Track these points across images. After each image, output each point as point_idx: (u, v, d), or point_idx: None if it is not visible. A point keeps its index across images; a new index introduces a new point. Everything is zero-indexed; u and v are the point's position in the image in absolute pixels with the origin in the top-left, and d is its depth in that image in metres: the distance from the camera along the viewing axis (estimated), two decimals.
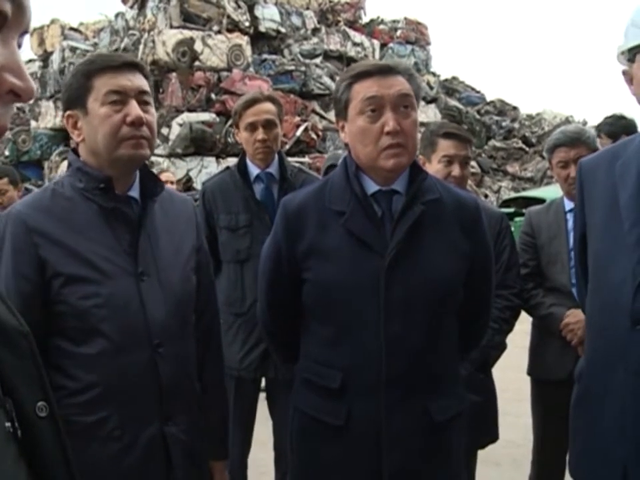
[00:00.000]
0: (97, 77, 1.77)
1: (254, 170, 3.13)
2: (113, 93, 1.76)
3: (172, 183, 6.52)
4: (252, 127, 3.08)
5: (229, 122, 11.67)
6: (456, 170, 2.82)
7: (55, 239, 1.74)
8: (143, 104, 1.81)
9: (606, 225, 1.93)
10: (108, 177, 1.80)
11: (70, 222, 1.77)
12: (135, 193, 1.87)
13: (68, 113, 1.83)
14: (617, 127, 4.58)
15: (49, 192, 1.83)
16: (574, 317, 2.89)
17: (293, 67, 16.47)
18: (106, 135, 1.76)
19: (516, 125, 20.72)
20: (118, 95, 1.77)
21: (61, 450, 0.94)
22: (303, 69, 16.48)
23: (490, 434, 2.91)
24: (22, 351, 0.92)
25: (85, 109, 1.78)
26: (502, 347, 2.92)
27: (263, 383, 3.25)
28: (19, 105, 16.09)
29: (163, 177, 6.72)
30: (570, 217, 3.05)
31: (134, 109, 1.77)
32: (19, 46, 0.85)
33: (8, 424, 0.86)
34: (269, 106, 3.11)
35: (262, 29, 16.92)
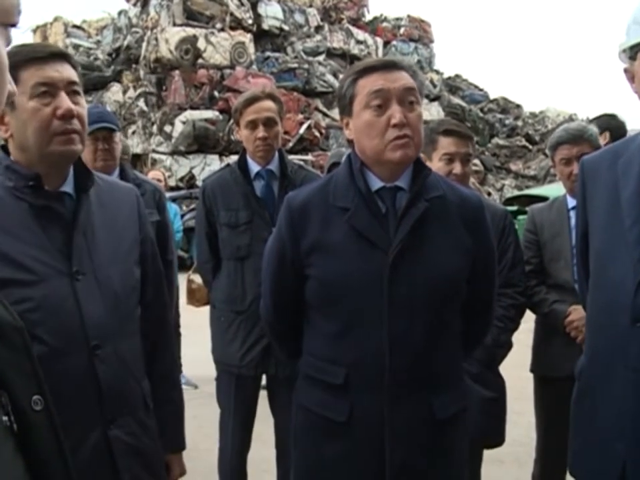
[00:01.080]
0: (22, 69, 1.67)
1: (254, 167, 3.13)
2: (40, 85, 1.67)
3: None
4: (252, 125, 3.07)
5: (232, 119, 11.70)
6: (457, 168, 2.77)
7: None
8: (72, 95, 1.72)
9: (607, 223, 1.92)
10: (37, 173, 1.71)
11: None
12: (68, 188, 1.78)
13: None
14: (609, 124, 4.73)
15: None
16: (577, 313, 2.89)
17: (296, 65, 16.49)
18: (36, 130, 1.68)
19: (519, 123, 20.73)
20: (46, 87, 1.68)
21: (56, 443, 0.95)
22: (306, 66, 16.50)
23: (498, 434, 2.88)
24: (16, 346, 0.92)
25: (11, 103, 1.64)
26: (508, 346, 2.89)
27: (264, 381, 3.25)
28: None
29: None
30: (573, 214, 3.05)
31: (64, 101, 1.69)
32: (9, 41, 0.87)
33: (5, 418, 0.86)
34: (269, 104, 3.10)
35: (265, 26, 16.94)
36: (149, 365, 1.93)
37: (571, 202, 3.07)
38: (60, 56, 1.73)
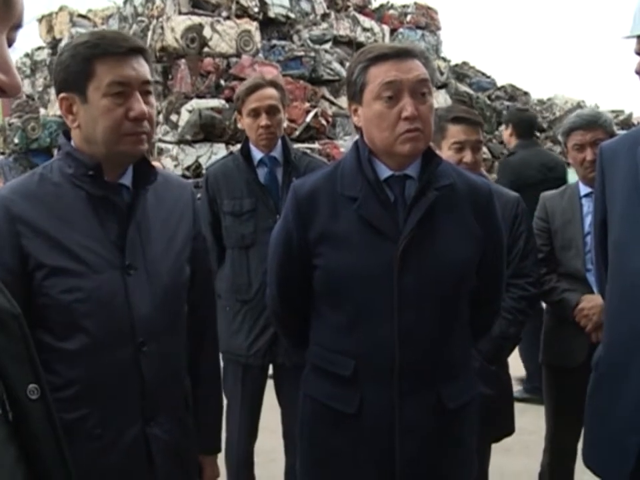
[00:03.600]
0: (99, 63, 1.65)
1: (257, 154, 3.11)
2: (116, 84, 1.65)
3: None
4: (255, 113, 3.06)
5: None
6: (468, 156, 2.70)
7: (39, 228, 1.66)
8: (144, 94, 1.71)
9: (626, 210, 1.89)
10: (98, 163, 1.71)
11: (56, 210, 1.69)
12: (126, 180, 1.78)
13: (63, 95, 1.69)
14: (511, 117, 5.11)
15: (37, 176, 1.75)
16: (588, 301, 2.86)
17: (302, 53, 16.39)
18: (106, 129, 1.67)
19: None
20: (122, 87, 1.66)
21: (52, 433, 0.94)
22: (312, 54, 16.40)
23: (506, 427, 2.85)
24: (13, 333, 0.91)
25: (83, 95, 1.66)
26: (517, 339, 2.81)
27: (271, 370, 3.24)
28: (27, 92, 16.04)
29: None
30: (585, 201, 3.02)
31: (138, 103, 1.67)
32: (12, 41, 0.84)
33: None
34: (271, 91, 3.08)
35: (271, 14, 16.84)
36: (192, 364, 1.92)
37: (584, 189, 3.04)
38: (137, 51, 1.71)
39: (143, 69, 1.71)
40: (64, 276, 1.66)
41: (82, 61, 1.66)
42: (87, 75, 1.66)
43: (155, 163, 7.30)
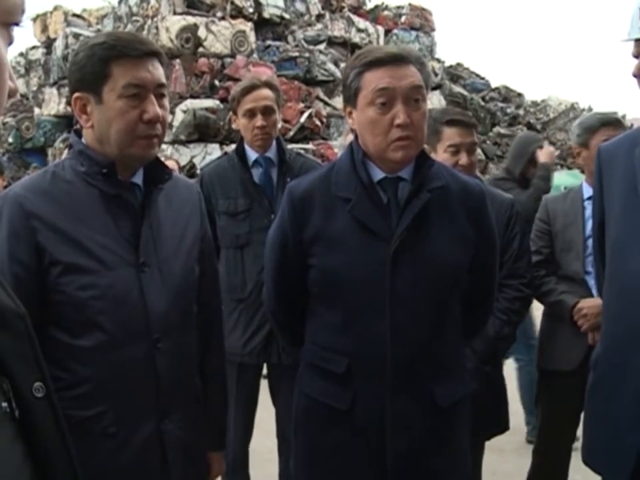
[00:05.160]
0: (115, 65, 1.66)
1: (252, 154, 3.12)
2: (132, 87, 1.66)
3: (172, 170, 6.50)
4: (250, 114, 3.07)
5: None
6: (463, 158, 2.71)
7: (54, 225, 1.65)
8: (158, 97, 1.72)
9: (625, 211, 1.90)
10: (111, 161, 1.71)
11: (69, 207, 1.69)
12: (138, 179, 1.79)
13: (77, 94, 1.70)
14: None
15: (49, 174, 1.74)
16: (588, 303, 2.87)
17: (296, 53, 16.39)
18: (120, 130, 1.68)
19: (521, 112, 20.65)
20: (137, 89, 1.67)
21: (58, 430, 0.95)
22: (306, 55, 16.40)
23: (499, 425, 2.86)
24: (18, 332, 0.92)
25: (98, 96, 1.67)
26: (511, 339, 2.82)
27: (265, 370, 3.24)
28: (21, 92, 16.00)
29: (167, 164, 6.71)
30: (588, 204, 2.99)
31: (152, 106, 1.69)
32: (10, 41, 0.87)
33: (5, 404, 0.87)
34: (267, 92, 3.09)
35: (266, 15, 16.84)
36: (200, 362, 1.93)
37: (587, 192, 3.03)
38: (153, 54, 1.72)
39: (158, 71, 1.72)
40: (79, 273, 1.66)
41: (98, 62, 1.67)
42: (103, 76, 1.67)
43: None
